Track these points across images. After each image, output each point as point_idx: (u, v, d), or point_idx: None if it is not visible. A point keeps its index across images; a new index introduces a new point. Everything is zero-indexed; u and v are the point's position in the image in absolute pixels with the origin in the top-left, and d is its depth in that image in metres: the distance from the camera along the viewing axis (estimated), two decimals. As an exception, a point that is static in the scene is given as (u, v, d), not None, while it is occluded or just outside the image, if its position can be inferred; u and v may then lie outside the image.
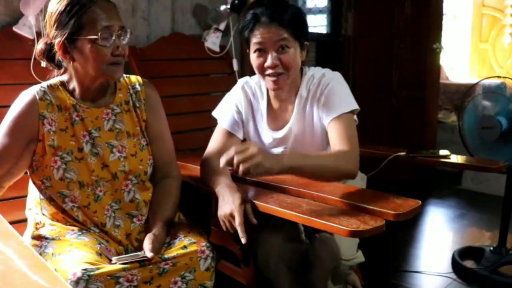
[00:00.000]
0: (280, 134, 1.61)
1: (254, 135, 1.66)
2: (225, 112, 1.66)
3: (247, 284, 1.74)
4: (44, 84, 1.39)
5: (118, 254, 1.34)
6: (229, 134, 1.63)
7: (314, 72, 1.59)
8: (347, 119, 1.50)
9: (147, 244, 1.27)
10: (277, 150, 1.62)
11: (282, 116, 1.62)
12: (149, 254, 1.23)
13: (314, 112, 1.57)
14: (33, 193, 1.43)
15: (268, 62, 1.49)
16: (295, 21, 1.49)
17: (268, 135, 1.63)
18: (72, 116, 1.37)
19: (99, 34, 1.28)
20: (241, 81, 1.69)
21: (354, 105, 1.52)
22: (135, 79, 1.51)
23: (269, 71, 1.50)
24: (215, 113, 1.69)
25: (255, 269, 1.62)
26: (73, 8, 1.28)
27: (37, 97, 1.34)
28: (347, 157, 1.42)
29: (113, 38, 1.30)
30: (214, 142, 1.64)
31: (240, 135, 1.65)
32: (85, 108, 1.39)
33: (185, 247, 1.31)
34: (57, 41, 1.31)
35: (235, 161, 1.25)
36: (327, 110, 1.52)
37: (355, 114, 1.54)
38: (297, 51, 1.51)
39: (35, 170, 1.36)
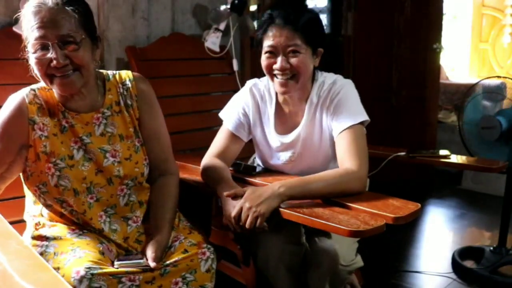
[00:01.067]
0: (288, 138, 1.59)
1: (262, 139, 1.64)
2: (231, 113, 1.64)
3: (247, 284, 1.74)
4: (35, 86, 1.35)
5: (118, 254, 1.34)
6: (233, 136, 1.62)
7: (325, 79, 1.56)
8: (357, 131, 1.47)
9: (150, 253, 1.26)
10: (285, 155, 1.61)
11: (291, 120, 1.60)
12: (152, 264, 1.24)
13: (323, 119, 1.55)
14: (30, 197, 1.41)
15: (277, 65, 1.47)
16: (310, 26, 1.47)
17: (275, 139, 1.61)
18: (61, 123, 1.32)
19: (33, 46, 1.22)
20: (249, 83, 1.66)
21: (364, 116, 1.50)
22: (125, 75, 1.44)
23: (277, 73, 1.49)
24: (221, 114, 1.67)
25: (255, 269, 1.62)
26: (25, 19, 1.25)
27: (27, 101, 1.30)
28: (355, 177, 1.40)
29: (50, 48, 1.21)
30: (218, 143, 1.62)
31: (244, 138, 1.63)
32: (74, 115, 1.34)
33: (186, 250, 1.31)
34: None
35: (238, 227, 1.32)
36: (336, 121, 1.50)
37: (365, 125, 1.52)
38: (308, 56, 1.48)
39: (30, 176, 1.33)
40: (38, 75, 1.27)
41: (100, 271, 1.15)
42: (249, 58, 2.84)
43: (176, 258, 1.28)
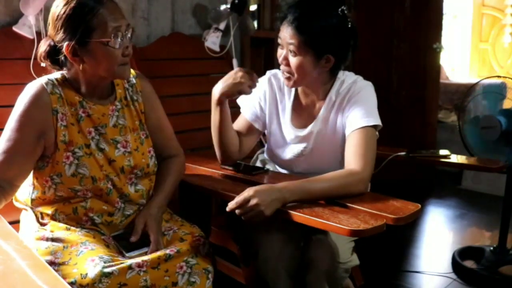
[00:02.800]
0: (303, 132, 1.61)
1: (277, 130, 1.66)
2: (248, 102, 1.68)
3: (247, 284, 1.74)
4: (51, 77, 1.37)
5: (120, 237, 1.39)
6: (250, 124, 1.67)
7: (346, 77, 1.58)
8: (368, 133, 1.47)
9: (153, 245, 1.34)
10: (298, 148, 1.62)
11: (308, 114, 1.62)
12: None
13: (338, 117, 1.56)
14: (25, 195, 1.40)
15: (279, 60, 1.54)
16: (319, 32, 1.45)
17: (290, 132, 1.63)
18: (78, 112, 1.36)
19: (111, 36, 1.27)
20: (269, 73, 1.69)
21: (377, 120, 1.50)
22: None
23: (281, 67, 1.54)
24: (239, 101, 1.70)
25: (255, 269, 1.62)
26: (82, 12, 1.26)
27: (48, 91, 1.32)
28: (358, 179, 1.40)
29: (122, 38, 1.30)
30: (236, 126, 1.67)
31: (259, 127, 1.67)
32: (91, 105, 1.38)
33: (182, 239, 1.39)
34: (65, 44, 1.28)
35: (237, 213, 1.30)
36: (350, 120, 1.51)
37: (377, 129, 1.52)
38: (308, 60, 1.48)
39: (44, 166, 1.34)
40: (107, 65, 1.30)
41: (112, 260, 1.22)
42: (249, 58, 2.84)
43: (176, 245, 1.35)
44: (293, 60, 1.49)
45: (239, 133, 1.66)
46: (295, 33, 1.46)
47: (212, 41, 2.46)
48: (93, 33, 1.27)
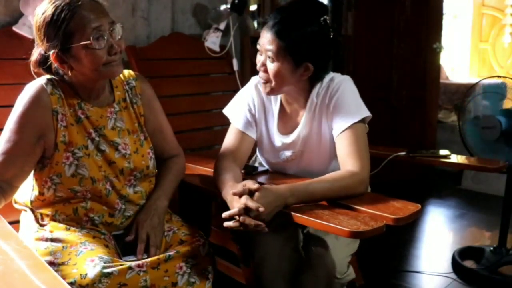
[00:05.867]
0: (289, 139, 1.59)
1: (265, 136, 1.64)
2: (237, 111, 1.63)
3: (247, 284, 1.74)
4: (50, 77, 1.36)
5: (117, 238, 1.39)
6: (242, 134, 1.59)
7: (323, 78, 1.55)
8: (357, 130, 1.45)
9: (152, 252, 1.33)
10: (286, 153, 1.61)
11: (293, 120, 1.60)
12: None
13: (322, 118, 1.54)
14: (25, 196, 1.39)
15: (257, 66, 1.50)
16: (298, 40, 1.42)
17: (277, 139, 1.61)
18: (77, 113, 1.36)
19: (91, 37, 1.24)
20: (254, 80, 1.65)
21: (364, 113, 1.47)
22: (127, 73, 1.50)
23: (260, 73, 1.51)
24: (226, 111, 1.66)
25: (254, 269, 1.62)
26: (59, 17, 1.24)
27: (48, 91, 1.31)
28: (359, 180, 1.39)
29: (106, 37, 1.27)
30: (228, 142, 1.60)
31: (253, 135, 1.61)
32: (89, 107, 1.37)
33: (181, 240, 1.39)
34: (51, 53, 1.27)
35: (240, 219, 1.28)
36: (336, 121, 1.48)
37: (366, 121, 1.50)
38: (286, 67, 1.44)
39: (44, 167, 1.33)
40: (91, 67, 1.28)
41: (112, 260, 1.22)
42: (249, 58, 2.84)
43: (175, 246, 1.36)
44: (271, 66, 1.45)
45: (233, 145, 1.58)
46: (274, 39, 1.42)
47: (212, 41, 2.46)
48: (73, 37, 1.25)
